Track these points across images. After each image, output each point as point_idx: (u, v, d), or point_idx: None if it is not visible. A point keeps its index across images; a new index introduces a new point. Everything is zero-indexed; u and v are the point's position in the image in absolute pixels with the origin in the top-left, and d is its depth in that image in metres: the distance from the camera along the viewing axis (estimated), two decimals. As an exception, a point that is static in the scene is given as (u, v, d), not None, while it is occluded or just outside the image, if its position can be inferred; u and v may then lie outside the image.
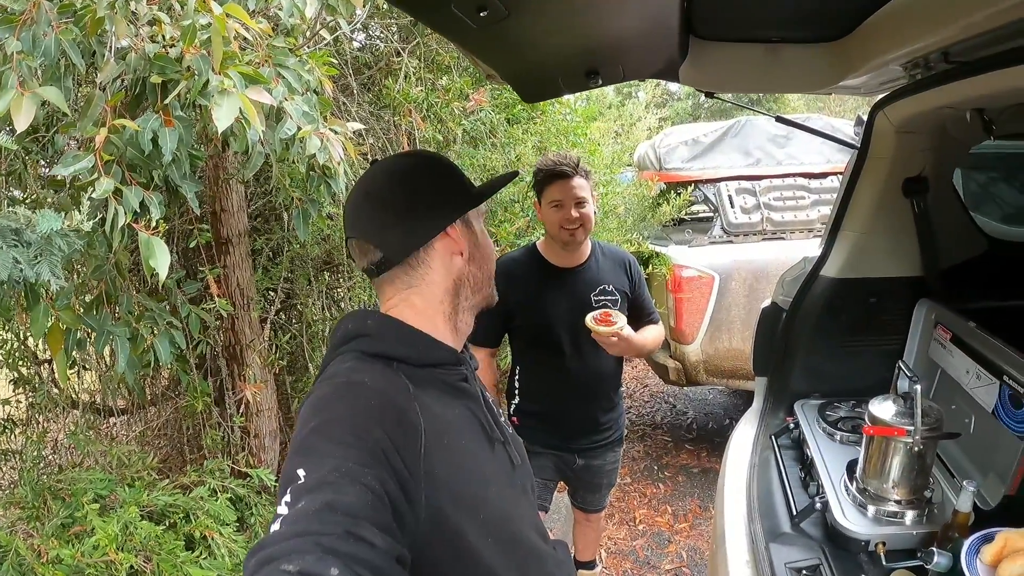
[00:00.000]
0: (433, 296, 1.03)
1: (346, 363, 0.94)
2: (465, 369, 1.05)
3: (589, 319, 1.99)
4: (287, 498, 0.72)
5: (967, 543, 1.21)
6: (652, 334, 2.22)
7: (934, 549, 1.24)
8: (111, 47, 1.57)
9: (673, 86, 15.75)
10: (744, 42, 1.70)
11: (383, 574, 0.68)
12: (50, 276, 1.26)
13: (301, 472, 0.74)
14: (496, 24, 1.19)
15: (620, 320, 2.00)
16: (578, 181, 2.05)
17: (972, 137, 1.84)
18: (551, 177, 2.05)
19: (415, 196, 1.01)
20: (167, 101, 1.53)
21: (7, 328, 2.52)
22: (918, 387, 1.37)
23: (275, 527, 0.69)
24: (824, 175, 4.31)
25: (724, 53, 1.72)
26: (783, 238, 4.16)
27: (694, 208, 4.37)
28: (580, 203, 2.04)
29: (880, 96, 1.82)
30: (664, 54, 1.64)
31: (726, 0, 1.47)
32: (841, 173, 4.27)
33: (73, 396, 2.86)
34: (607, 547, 3.37)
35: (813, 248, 2.16)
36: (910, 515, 1.42)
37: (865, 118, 3.65)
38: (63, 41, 1.46)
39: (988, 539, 1.20)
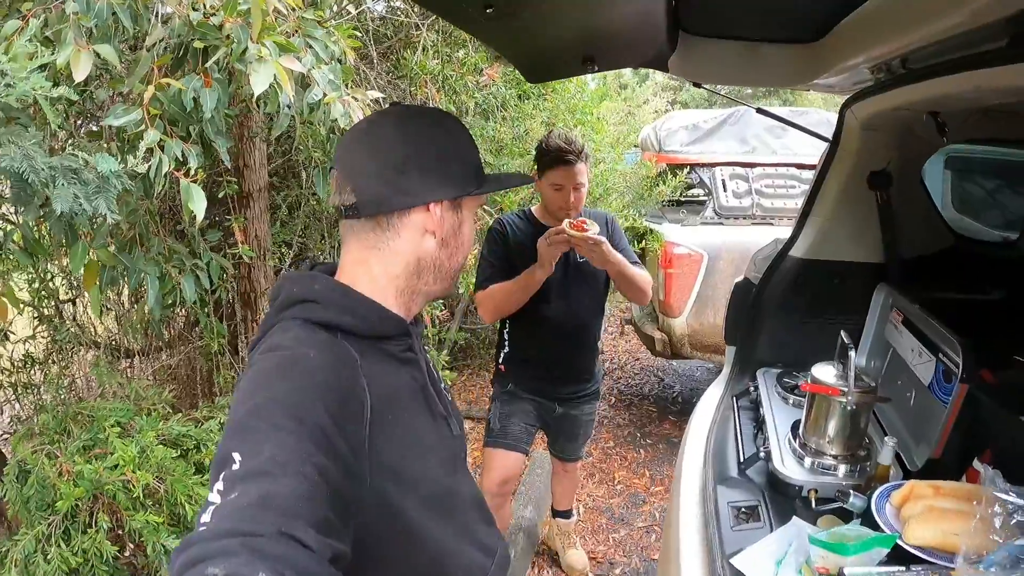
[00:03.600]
0: (392, 267, 0.98)
1: (289, 332, 0.88)
2: (411, 339, 1.01)
3: (566, 225, 2.12)
4: (220, 485, 0.68)
5: (880, 489, 1.41)
6: (640, 272, 2.35)
7: (851, 491, 1.43)
8: (157, 12, 1.74)
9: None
10: (727, 39, 1.87)
11: None
12: (107, 211, 1.46)
13: (236, 456, 0.70)
14: (501, 19, 1.36)
15: (594, 227, 2.15)
16: (580, 167, 2.23)
17: (935, 138, 2.00)
18: (556, 162, 2.21)
19: (414, 155, 0.95)
20: (208, 65, 1.71)
21: (36, 267, 2.67)
22: (852, 353, 1.55)
23: (204, 517, 0.65)
24: (816, 167, 4.43)
25: (709, 48, 1.89)
26: (771, 223, 4.36)
27: (692, 191, 4.55)
28: (578, 187, 2.25)
29: (849, 95, 1.98)
30: (654, 46, 1.81)
31: (709, 1, 1.64)
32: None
33: (92, 336, 3.06)
34: (585, 503, 3.61)
35: None
36: (842, 468, 1.60)
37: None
38: (114, 5, 1.64)
39: (898, 487, 1.40)
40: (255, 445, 0.71)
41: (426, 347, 1.17)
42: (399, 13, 3.70)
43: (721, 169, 4.45)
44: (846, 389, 1.56)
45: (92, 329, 3.07)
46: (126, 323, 3.05)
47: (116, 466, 2.06)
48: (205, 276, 2.24)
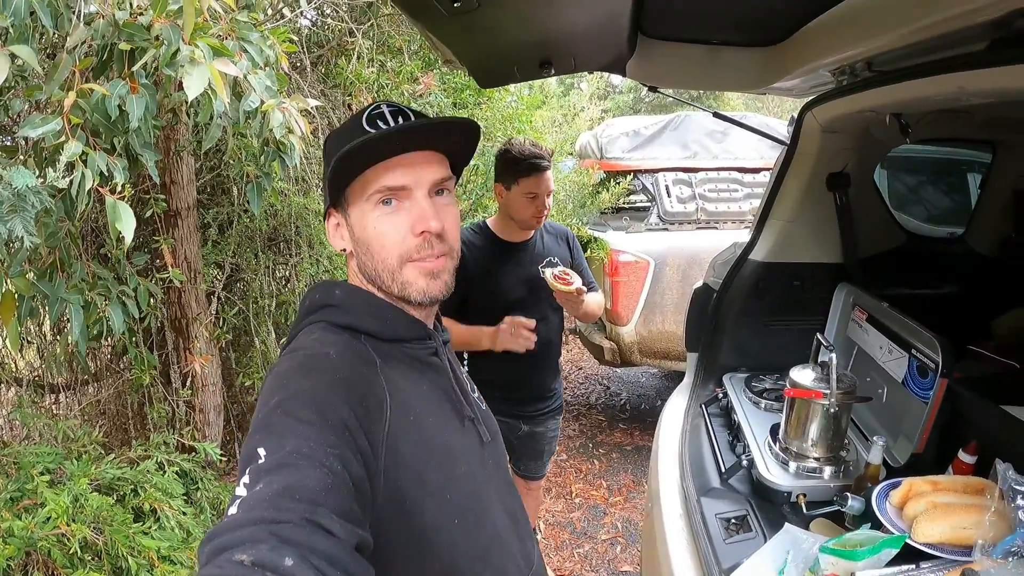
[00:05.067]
0: (356, 277, 0.99)
1: (313, 334, 0.91)
2: (434, 343, 1.01)
3: (550, 277, 2.07)
4: (246, 479, 0.69)
5: (877, 489, 1.39)
6: (596, 300, 2.33)
7: (848, 494, 1.40)
8: (79, 12, 1.58)
9: (616, 79, 16.01)
10: (688, 42, 1.83)
11: (340, 563, 0.65)
12: (24, 233, 1.28)
13: (261, 451, 0.71)
14: (466, 14, 1.27)
15: (576, 280, 2.09)
16: (550, 173, 2.16)
17: (892, 139, 2.03)
18: (532, 169, 2.12)
19: (325, 166, 0.95)
20: (135, 69, 1.55)
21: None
22: (833, 355, 1.54)
23: (232, 510, 0.66)
24: (757, 170, 4.55)
25: (669, 51, 1.85)
26: (716, 227, 4.39)
27: (632, 197, 4.55)
28: (550, 194, 2.18)
29: (809, 98, 1.97)
30: (614, 49, 1.76)
31: (674, 3, 1.59)
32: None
33: (15, 372, 2.81)
34: (545, 519, 3.52)
35: (743, 237, 2.32)
36: (828, 470, 1.58)
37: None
38: (33, 3, 1.47)
39: (895, 486, 1.38)
40: (279, 439, 0.73)
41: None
42: (331, 20, 3.57)
43: (664, 175, 4.46)
44: (828, 391, 1.54)
45: (13, 364, 2.81)
46: (49, 356, 2.79)
47: (48, 519, 1.91)
48: (133, 303, 2.05)
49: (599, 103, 7.14)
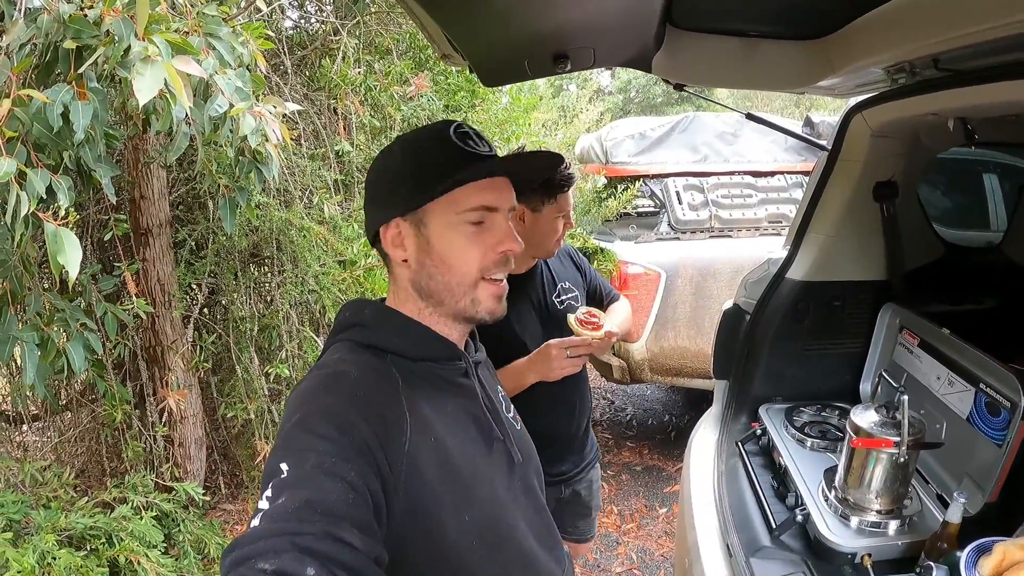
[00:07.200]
0: (401, 291, 1.00)
1: (337, 353, 0.93)
2: (464, 363, 1.01)
3: (574, 323, 1.74)
4: (268, 493, 0.71)
5: (963, 556, 1.18)
6: (623, 313, 2.01)
7: (931, 564, 1.21)
8: (21, 7, 1.35)
9: (604, 81, 15.86)
10: (722, 35, 1.62)
11: (359, 574, 0.67)
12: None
13: (284, 466, 0.73)
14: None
15: (604, 320, 1.78)
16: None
17: (943, 144, 1.83)
18: (567, 183, 1.75)
19: (371, 184, 1.00)
20: (81, 70, 1.32)
21: None
22: (905, 398, 1.34)
23: (255, 523, 0.68)
24: (772, 174, 4.30)
25: (700, 45, 1.63)
26: (730, 236, 4.13)
27: (637, 202, 4.30)
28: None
29: (858, 99, 1.77)
30: (639, 42, 1.54)
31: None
32: (788, 172, 4.29)
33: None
34: (553, 551, 3.28)
35: (760, 246, 2.10)
36: (893, 525, 1.40)
37: (815, 119, 3.64)
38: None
39: (983, 550, 1.18)
40: (301, 455, 0.75)
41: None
42: (314, 19, 3.35)
43: (674, 180, 4.19)
44: (898, 439, 1.33)
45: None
46: (16, 387, 2.56)
47: (12, 582, 1.78)
48: (97, 337, 1.82)
49: (597, 104, 6.92)
